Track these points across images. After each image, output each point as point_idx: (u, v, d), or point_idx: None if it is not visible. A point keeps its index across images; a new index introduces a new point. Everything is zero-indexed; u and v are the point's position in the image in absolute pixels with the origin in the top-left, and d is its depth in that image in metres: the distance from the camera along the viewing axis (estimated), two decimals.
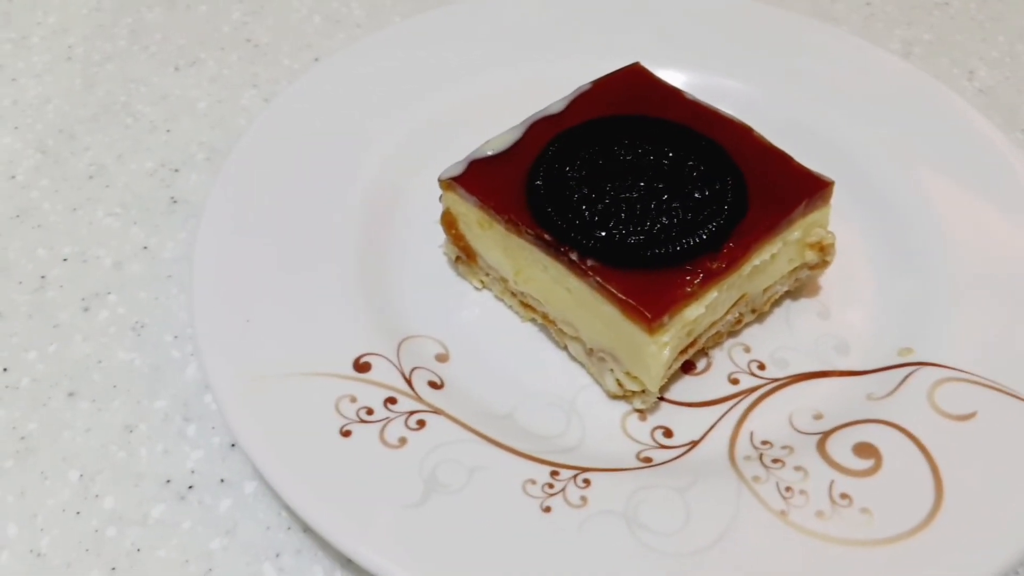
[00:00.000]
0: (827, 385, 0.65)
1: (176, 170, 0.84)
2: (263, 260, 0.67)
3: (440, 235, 0.71)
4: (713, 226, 0.61)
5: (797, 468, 0.59)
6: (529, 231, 0.62)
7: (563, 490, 0.57)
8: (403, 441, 0.58)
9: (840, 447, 0.60)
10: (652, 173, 0.64)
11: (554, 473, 0.58)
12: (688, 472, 0.59)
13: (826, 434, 0.61)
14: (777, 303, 0.70)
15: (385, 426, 0.59)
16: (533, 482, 0.57)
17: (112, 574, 0.58)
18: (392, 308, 0.68)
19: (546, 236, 0.61)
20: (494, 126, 0.69)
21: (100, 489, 0.62)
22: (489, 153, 0.66)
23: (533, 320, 0.68)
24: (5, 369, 0.68)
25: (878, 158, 0.78)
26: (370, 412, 0.59)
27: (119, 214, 0.80)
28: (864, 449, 0.59)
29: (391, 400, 0.61)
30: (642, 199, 0.62)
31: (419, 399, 0.61)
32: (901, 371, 0.64)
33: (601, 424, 0.63)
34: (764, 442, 0.61)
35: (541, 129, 0.67)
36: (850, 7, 1.05)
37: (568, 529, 0.54)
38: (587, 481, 0.57)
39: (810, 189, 0.65)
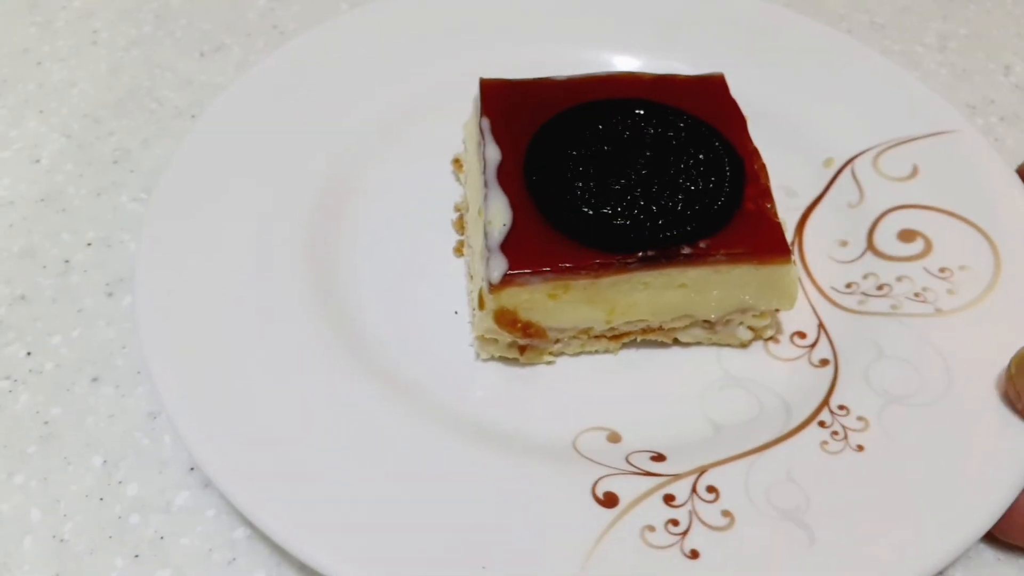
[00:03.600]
0: (817, 220, 0.74)
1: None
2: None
3: (455, 340, 0.67)
4: (726, 159, 0.63)
5: (899, 279, 0.69)
6: (627, 261, 0.60)
7: (843, 427, 0.60)
8: (727, 514, 0.56)
9: (890, 245, 0.71)
10: (637, 147, 0.64)
11: (821, 424, 0.61)
12: (862, 344, 0.65)
13: (871, 249, 0.72)
14: None
15: (699, 517, 0.56)
16: (825, 442, 0.60)
17: (135, 561, 0.58)
18: (524, 438, 0.61)
19: (648, 253, 0.60)
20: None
21: (124, 476, 0.61)
22: (505, 229, 0.61)
23: (631, 342, 0.67)
24: (29, 353, 0.68)
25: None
26: (675, 523, 0.55)
27: (144, 199, 0.79)
28: (905, 235, 0.72)
29: (669, 498, 0.57)
30: (658, 171, 0.62)
31: (679, 476, 0.58)
32: (844, 176, 0.77)
33: (770, 372, 0.66)
34: (848, 284, 0.70)
35: (508, 180, 0.63)
36: (883, 0, 1.03)
37: (889, 445, 0.59)
38: (842, 407, 0.62)
39: (723, 87, 0.70)
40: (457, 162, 0.77)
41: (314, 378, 0.61)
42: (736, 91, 0.70)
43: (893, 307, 0.67)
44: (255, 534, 0.59)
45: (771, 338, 0.67)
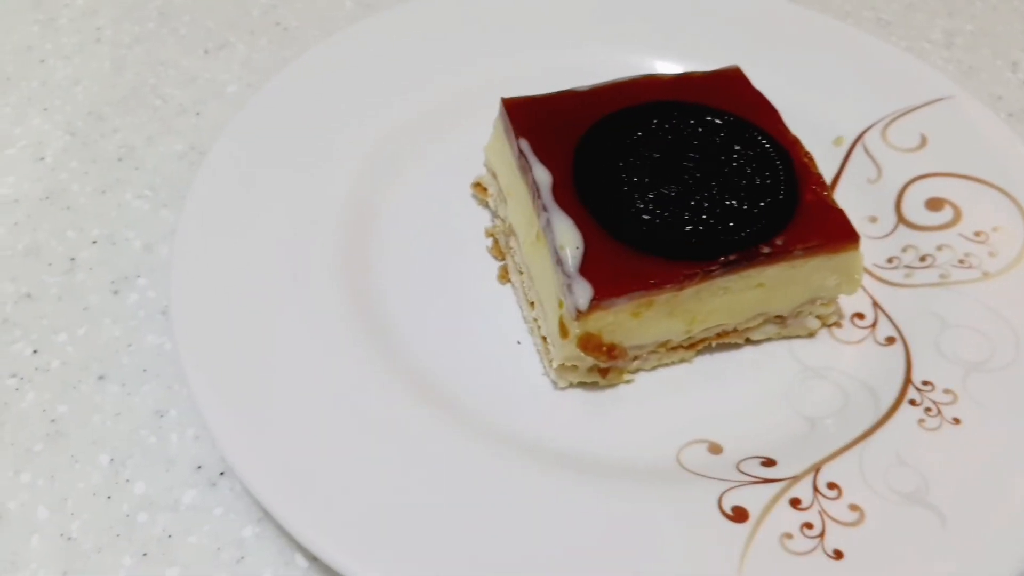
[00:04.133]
0: (840, 198, 0.67)
1: (205, 153, 0.82)
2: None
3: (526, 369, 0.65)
4: (773, 152, 0.64)
5: (940, 248, 0.70)
6: (711, 268, 0.59)
7: (934, 402, 0.62)
8: (855, 508, 0.56)
9: (920, 215, 0.73)
10: (683, 151, 0.63)
11: (912, 403, 0.62)
12: (922, 317, 0.67)
13: (902, 222, 0.73)
14: None
15: (830, 516, 0.56)
16: (922, 420, 0.60)
17: (143, 560, 0.57)
18: (624, 462, 0.60)
19: (730, 257, 0.59)
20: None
21: (131, 474, 0.61)
22: (579, 252, 0.59)
23: (705, 349, 0.66)
24: (35, 351, 0.67)
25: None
26: (809, 526, 0.55)
27: (148, 196, 0.79)
28: (933, 204, 0.73)
29: (795, 501, 0.56)
30: (710, 173, 0.62)
31: (797, 478, 0.58)
32: (857, 153, 0.78)
33: (842, 358, 0.66)
34: (889, 260, 0.71)
35: (565, 200, 0.62)
36: None
37: (984, 413, 0.60)
38: (926, 382, 0.63)
39: (743, 80, 0.71)
40: (479, 186, 0.75)
41: (378, 415, 0.59)
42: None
43: (942, 276, 0.69)
44: (263, 533, 0.58)
45: (835, 323, 0.68)
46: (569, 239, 0.60)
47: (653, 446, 0.61)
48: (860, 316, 0.69)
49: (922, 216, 0.73)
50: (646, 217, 0.60)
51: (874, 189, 0.75)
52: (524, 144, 0.65)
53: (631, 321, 0.60)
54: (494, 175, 0.72)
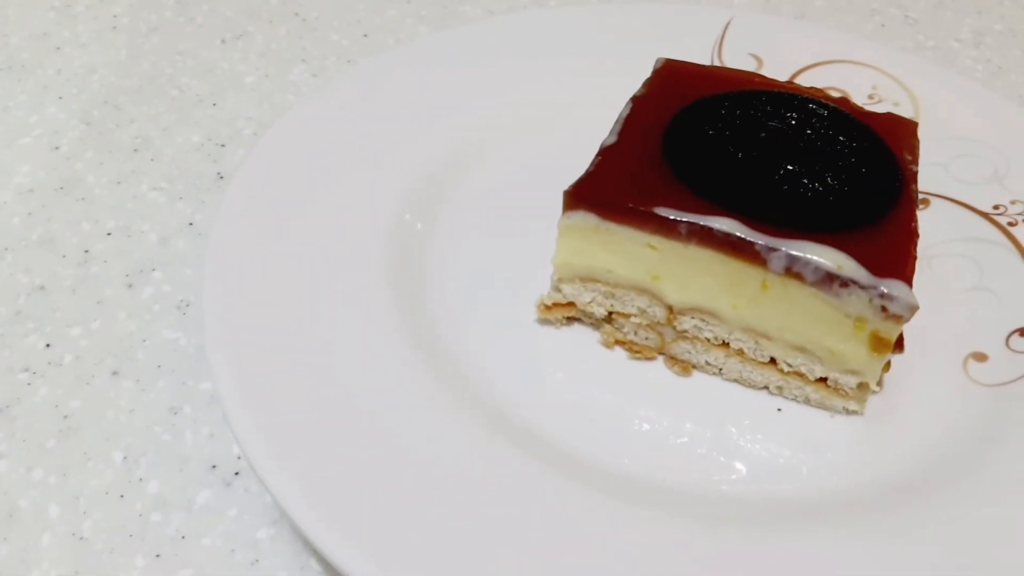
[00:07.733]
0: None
1: (222, 145, 0.82)
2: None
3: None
4: (811, 105, 0.64)
5: None
6: (920, 207, 0.61)
7: (1019, 215, 0.71)
8: None
9: None
10: (760, 135, 0.62)
11: (1010, 223, 0.71)
12: (925, 168, 0.66)
13: None
14: None
15: None
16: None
17: (156, 561, 0.56)
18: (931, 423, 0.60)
19: (918, 188, 0.62)
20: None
21: (144, 472, 0.60)
22: (853, 261, 0.56)
23: None
24: (48, 345, 0.67)
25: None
26: None
27: (164, 188, 0.78)
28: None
29: None
30: (803, 140, 0.62)
31: None
32: None
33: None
34: None
35: (775, 230, 0.57)
36: None
37: None
38: (997, 207, 0.71)
39: (690, 66, 0.70)
40: (555, 307, 0.65)
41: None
42: (600, 77, 0.74)
43: None
44: (278, 535, 0.57)
45: None
46: (836, 258, 0.56)
47: (958, 392, 0.62)
48: None
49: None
50: (831, 198, 0.58)
51: None
52: (666, 212, 0.58)
53: None
54: (591, 280, 0.64)
